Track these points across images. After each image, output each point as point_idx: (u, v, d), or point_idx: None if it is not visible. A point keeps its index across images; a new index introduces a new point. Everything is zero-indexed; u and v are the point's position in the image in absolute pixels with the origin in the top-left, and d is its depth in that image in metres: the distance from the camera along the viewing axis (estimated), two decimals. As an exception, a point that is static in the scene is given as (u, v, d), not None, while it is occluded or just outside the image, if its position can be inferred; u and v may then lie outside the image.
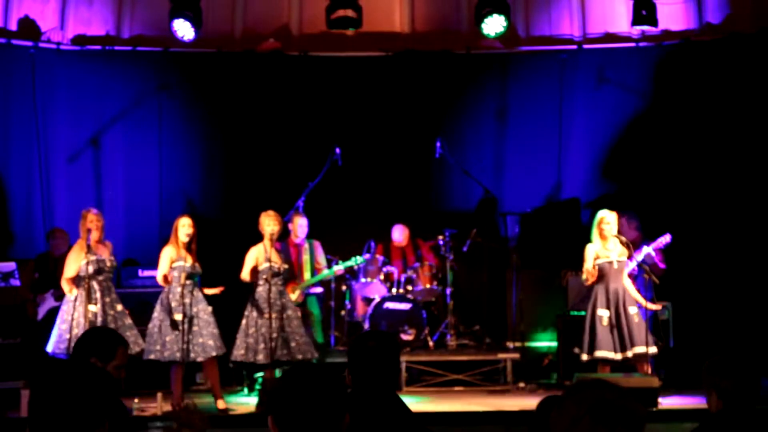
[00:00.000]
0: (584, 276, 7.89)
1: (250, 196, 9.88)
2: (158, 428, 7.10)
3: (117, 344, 3.79)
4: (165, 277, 7.62)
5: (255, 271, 7.94)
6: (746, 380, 3.34)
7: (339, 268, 8.96)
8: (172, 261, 7.66)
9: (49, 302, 8.40)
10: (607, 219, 7.83)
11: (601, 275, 7.79)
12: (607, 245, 7.79)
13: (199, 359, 7.67)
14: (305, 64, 10.47)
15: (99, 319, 7.41)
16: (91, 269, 7.48)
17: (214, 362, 7.74)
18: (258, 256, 7.94)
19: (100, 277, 7.55)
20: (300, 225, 9.10)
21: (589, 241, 7.96)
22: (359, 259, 9.01)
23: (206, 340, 7.65)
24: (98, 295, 7.50)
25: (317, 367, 2.24)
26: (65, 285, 7.56)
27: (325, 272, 9.02)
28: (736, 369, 3.36)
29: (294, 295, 8.29)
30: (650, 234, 9.51)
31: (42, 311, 8.43)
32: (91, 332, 4.36)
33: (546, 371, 9.21)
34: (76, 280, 7.51)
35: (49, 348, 7.52)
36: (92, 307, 7.41)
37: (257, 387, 8.38)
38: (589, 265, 7.80)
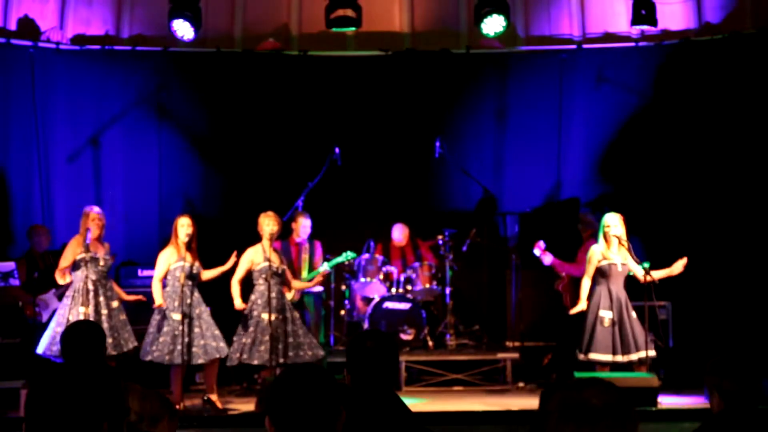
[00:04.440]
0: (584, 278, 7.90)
1: (250, 196, 9.88)
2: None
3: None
4: (162, 283, 7.64)
5: (249, 273, 7.93)
6: (748, 380, 3.34)
7: (325, 268, 8.87)
8: (169, 265, 7.66)
9: (53, 304, 8.36)
10: (608, 221, 7.82)
11: (604, 277, 7.78)
12: (611, 247, 7.79)
13: (200, 361, 7.68)
14: (305, 63, 10.47)
15: (91, 318, 7.40)
16: (84, 267, 7.49)
17: (215, 362, 7.75)
18: (254, 258, 7.93)
19: (94, 276, 7.56)
20: (303, 225, 9.10)
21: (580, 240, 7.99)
22: (349, 254, 8.85)
23: (208, 341, 7.65)
24: (91, 295, 7.50)
25: (312, 367, 2.25)
26: (58, 275, 7.58)
27: (315, 271, 8.95)
28: (738, 369, 3.35)
29: (289, 295, 8.29)
30: (649, 233, 9.55)
31: (46, 314, 8.39)
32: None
33: (545, 371, 9.21)
34: (73, 268, 7.54)
35: (40, 349, 7.52)
36: (81, 309, 7.40)
37: (256, 387, 8.39)
38: (590, 270, 7.80)
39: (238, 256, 7.88)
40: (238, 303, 7.83)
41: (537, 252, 8.62)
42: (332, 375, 2.24)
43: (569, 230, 9.29)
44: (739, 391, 3.32)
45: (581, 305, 7.81)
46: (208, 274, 7.84)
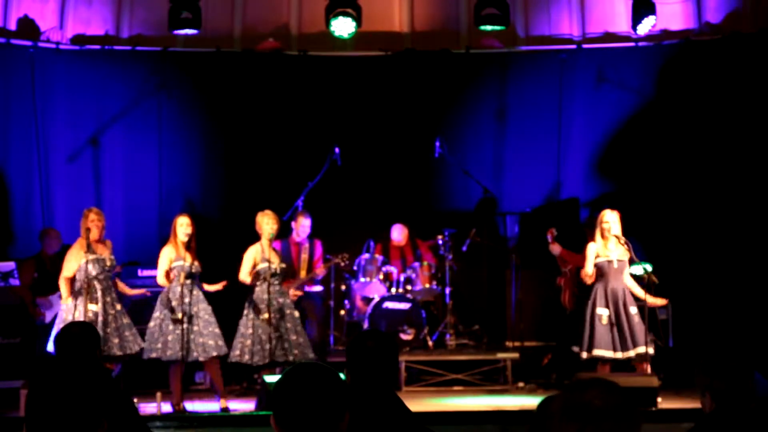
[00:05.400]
0: (582, 275, 7.90)
1: (249, 196, 9.87)
2: (158, 428, 7.10)
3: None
4: (167, 274, 7.64)
5: (253, 271, 7.94)
6: (739, 380, 3.34)
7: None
8: (171, 261, 7.67)
9: (57, 306, 8.35)
10: (606, 218, 7.83)
11: (601, 274, 7.79)
12: (608, 244, 7.79)
13: (201, 359, 7.68)
14: (305, 63, 10.47)
15: (99, 318, 7.42)
16: (91, 268, 7.48)
17: (216, 361, 7.76)
18: (255, 256, 7.94)
19: (101, 277, 7.55)
20: (303, 225, 9.10)
21: (586, 241, 7.98)
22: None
23: (207, 339, 7.66)
24: (99, 294, 7.50)
25: (317, 366, 2.25)
26: (62, 285, 7.57)
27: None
28: (729, 369, 3.36)
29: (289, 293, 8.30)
30: (648, 234, 9.54)
31: (50, 315, 8.38)
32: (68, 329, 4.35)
33: (545, 371, 9.21)
34: (73, 283, 7.51)
35: (50, 347, 7.53)
36: (92, 306, 7.42)
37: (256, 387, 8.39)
38: (589, 266, 7.80)
39: (227, 285, 7.93)
40: (248, 279, 7.88)
41: (549, 238, 8.64)
42: (337, 374, 2.23)
43: (569, 230, 9.29)
44: (730, 391, 3.32)
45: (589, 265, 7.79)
46: (205, 287, 7.90)
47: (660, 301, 7.97)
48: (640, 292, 7.77)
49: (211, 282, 7.96)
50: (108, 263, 7.62)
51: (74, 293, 7.51)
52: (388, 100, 10.46)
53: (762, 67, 9.75)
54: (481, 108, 10.63)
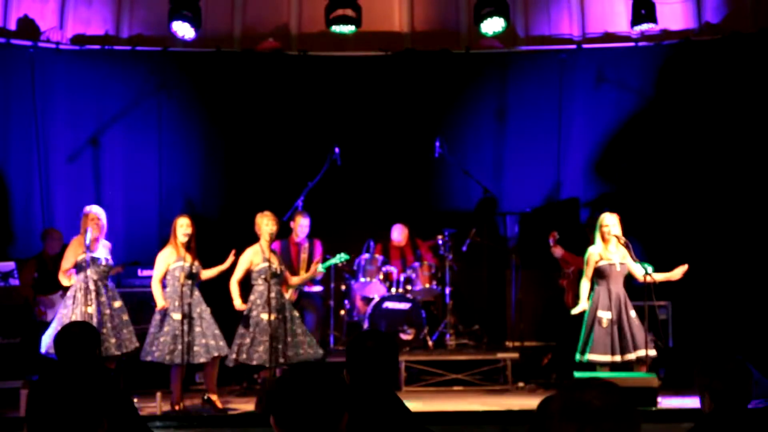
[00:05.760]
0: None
1: (249, 196, 9.88)
2: (158, 428, 7.10)
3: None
4: (162, 284, 7.64)
5: (248, 273, 7.92)
6: (738, 380, 3.35)
7: (319, 270, 8.62)
8: (168, 265, 7.66)
9: (59, 305, 8.35)
10: (606, 221, 7.81)
11: (603, 277, 7.77)
12: (609, 247, 7.78)
13: (202, 360, 7.67)
14: (305, 63, 10.47)
15: (95, 319, 7.42)
16: (87, 268, 7.50)
17: (215, 361, 7.76)
18: (253, 258, 7.92)
19: (95, 277, 7.56)
20: (301, 225, 9.11)
21: (587, 241, 7.98)
22: (343, 256, 8.70)
23: (209, 340, 7.66)
24: (93, 295, 7.50)
25: (316, 367, 2.25)
26: (62, 277, 7.58)
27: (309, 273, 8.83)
28: (728, 369, 3.36)
29: (287, 294, 8.30)
30: (649, 233, 9.55)
31: (52, 314, 8.38)
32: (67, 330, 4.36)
33: (545, 371, 9.22)
34: (75, 269, 7.54)
35: (43, 348, 7.52)
36: (89, 309, 7.41)
37: (256, 387, 8.39)
38: (584, 294, 7.78)
39: (237, 256, 7.86)
40: (238, 303, 7.80)
41: (551, 242, 8.66)
42: (336, 374, 2.24)
43: (569, 230, 9.29)
44: (730, 391, 3.33)
45: (582, 306, 7.81)
46: (206, 274, 7.84)
47: (681, 270, 7.79)
48: (640, 272, 7.68)
49: (208, 287, 7.93)
50: (103, 262, 7.63)
51: (72, 295, 7.52)
52: (388, 100, 10.47)
53: (762, 67, 9.76)
54: (481, 108, 10.63)
